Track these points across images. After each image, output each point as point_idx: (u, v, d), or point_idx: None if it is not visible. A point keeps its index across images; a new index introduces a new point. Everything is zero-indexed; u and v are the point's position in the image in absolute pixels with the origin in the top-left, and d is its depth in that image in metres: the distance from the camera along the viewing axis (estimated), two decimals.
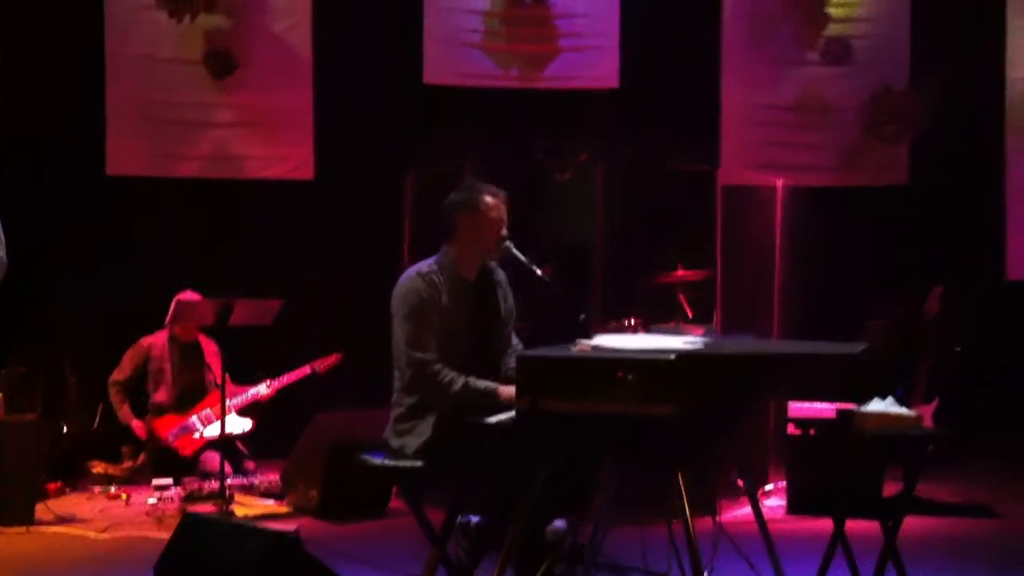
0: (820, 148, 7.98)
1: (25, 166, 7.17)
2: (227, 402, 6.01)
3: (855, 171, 7.95)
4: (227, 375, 6.12)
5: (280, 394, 6.65)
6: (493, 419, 3.72)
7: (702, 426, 3.68)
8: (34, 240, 6.27)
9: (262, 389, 6.62)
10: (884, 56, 7.96)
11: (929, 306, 6.93)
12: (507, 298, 4.31)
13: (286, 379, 6.62)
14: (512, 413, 3.63)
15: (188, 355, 6.73)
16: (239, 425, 6.58)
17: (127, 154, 7.53)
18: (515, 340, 4.27)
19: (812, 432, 4.10)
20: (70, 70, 7.37)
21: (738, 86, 7.93)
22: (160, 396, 6.70)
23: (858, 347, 3.55)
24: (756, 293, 6.44)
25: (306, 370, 6.60)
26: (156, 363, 6.72)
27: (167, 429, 6.61)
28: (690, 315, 6.38)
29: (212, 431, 6.48)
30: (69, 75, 7.37)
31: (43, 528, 5.51)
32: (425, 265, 4.14)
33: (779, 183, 6.58)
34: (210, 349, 6.76)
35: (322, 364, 6.59)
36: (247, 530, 3.33)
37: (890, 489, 5.43)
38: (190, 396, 6.67)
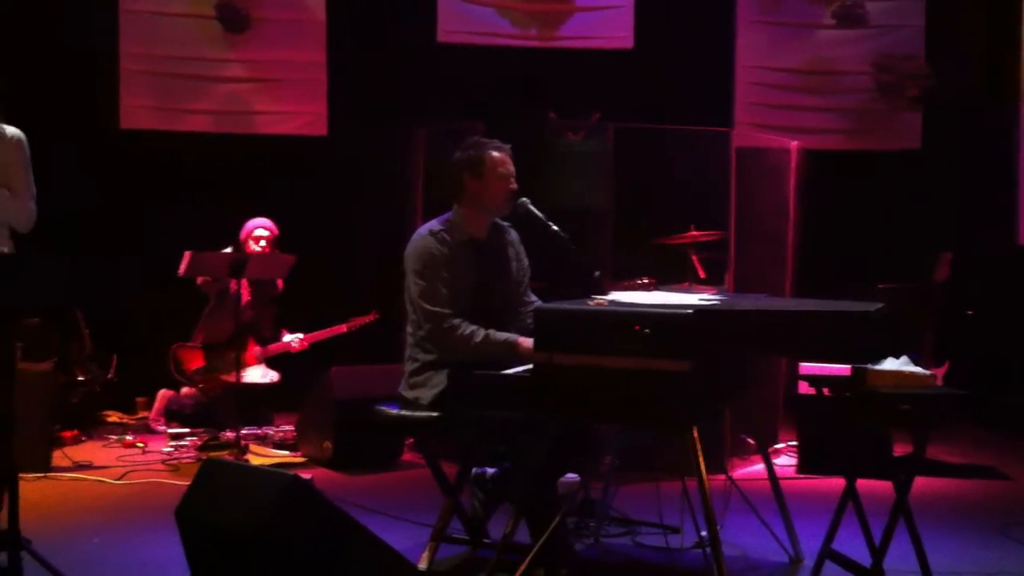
0: (832, 112, 7.98)
1: (42, 122, 7.16)
2: (256, 352, 6.06)
3: (867, 135, 7.95)
4: (257, 325, 6.18)
5: (312, 348, 6.72)
6: (510, 371, 3.76)
7: (717, 383, 3.72)
8: (50, 194, 6.28)
9: (293, 342, 6.67)
10: (899, 20, 7.93)
11: (939, 271, 6.94)
12: (520, 257, 4.31)
13: (319, 335, 6.68)
14: (529, 367, 3.67)
15: (223, 301, 6.69)
16: (266, 375, 6.65)
17: (139, 109, 7.55)
18: (534, 298, 4.29)
19: (826, 391, 4.13)
20: (84, 26, 7.37)
21: (751, 49, 7.92)
22: (198, 335, 6.75)
23: (874, 306, 3.57)
24: (768, 255, 6.46)
25: (341, 328, 6.65)
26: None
27: (192, 364, 6.67)
28: (702, 276, 6.39)
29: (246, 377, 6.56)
30: (82, 31, 7.37)
31: (60, 474, 5.59)
32: (436, 223, 4.16)
33: (793, 145, 6.58)
34: (246, 298, 6.80)
35: (355, 323, 6.64)
36: (265, 473, 3.37)
37: (898, 451, 5.52)
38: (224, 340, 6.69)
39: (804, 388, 5.77)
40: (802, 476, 5.73)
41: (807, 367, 5.65)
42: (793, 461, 5.97)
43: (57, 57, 7.31)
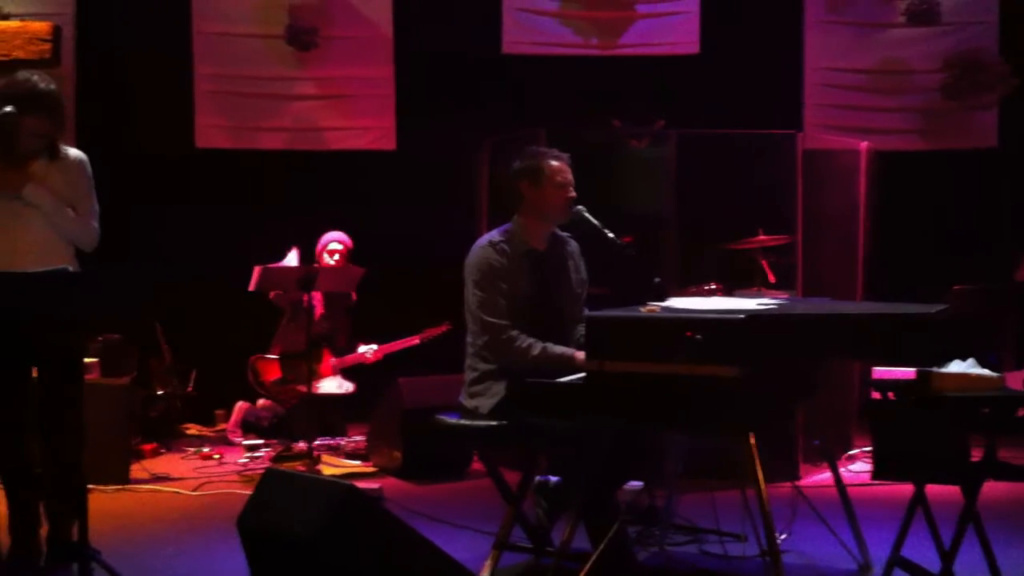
0: (903, 111, 7.83)
1: (122, 142, 7.39)
2: (332, 363, 6.16)
3: (941, 134, 7.78)
4: (332, 337, 6.28)
5: (386, 359, 6.82)
6: (565, 379, 3.77)
7: (773, 388, 3.68)
8: (128, 213, 6.47)
9: (368, 353, 6.77)
10: (971, 17, 7.76)
11: (1020, 271, 6.77)
12: (579, 268, 4.33)
13: (393, 346, 6.76)
14: (583, 375, 3.67)
15: (297, 314, 6.79)
16: (341, 386, 6.76)
17: (214, 128, 7.73)
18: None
19: (891, 395, 4.06)
20: (160, 49, 7.58)
21: (820, 49, 7.82)
22: (275, 346, 6.89)
23: (934, 308, 3.51)
24: (839, 258, 6.37)
25: (414, 340, 6.73)
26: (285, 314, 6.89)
27: (270, 376, 6.80)
28: (772, 280, 6.32)
29: (321, 388, 6.67)
30: (159, 54, 7.57)
31: (138, 487, 5.72)
32: (496, 234, 4.19)
33: (863, 146, 6.49)
34: (319, 310, 6.91)
35: (429, 334, 6.71)
36: (323, 483, 3.43)
37: (978, 454, 5.38)
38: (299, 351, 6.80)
39: (877, 393, 5.67)
40: (876, 482, 5.62)
41: (879, 371, 5.55)
42: (868, 467, 5.86)
43: (136, 79, 7.51)
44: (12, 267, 3.94)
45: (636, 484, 4.56)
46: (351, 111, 7.84)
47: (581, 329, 4.20)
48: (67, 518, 4.07)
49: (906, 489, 3.91)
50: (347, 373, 6.86)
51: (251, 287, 6.18)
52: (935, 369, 3.78)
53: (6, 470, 4.05)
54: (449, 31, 7.70)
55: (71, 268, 4.12)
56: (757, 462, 3.38)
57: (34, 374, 4.07)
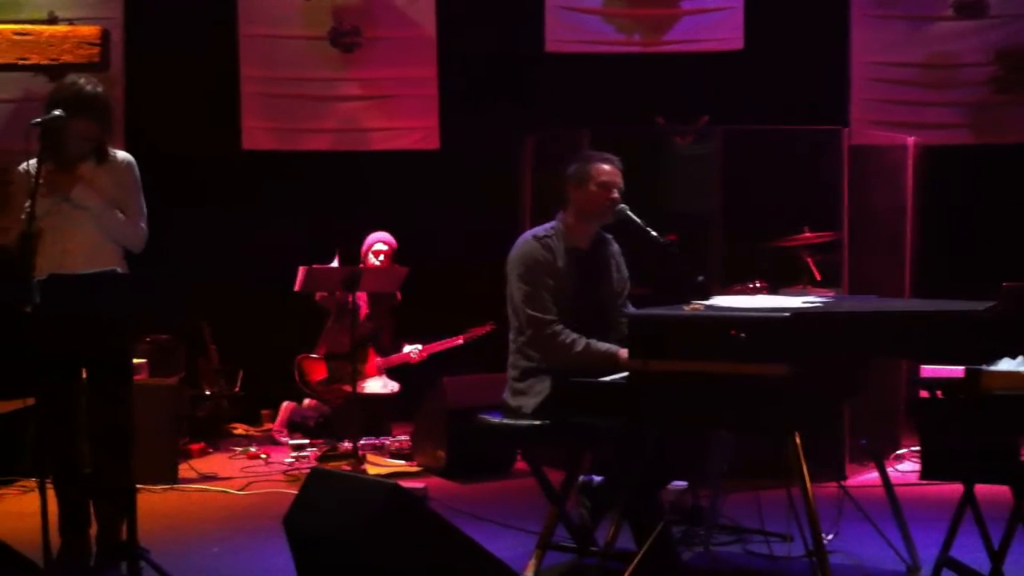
0: (952, 106, 7.72)
1: (169, 145, 7.46)
2: (377, 363, 6.19)
3: (989, 129, 7.67)
4: (377, 337, 6.31)
5: (430, 359, 6.85)
6: (609, 378, 3.76)
7: (818, 387, 3.64)
8: (175, 215, 6.53)
9: (413, 353, 6.80)
10: (1020, 9, 7.65)
11: None
12: (620, 268, 4.34)
13: (437, 346, 6.79)
14: (626, 374, 3.67)
15: (342, 314, 6.83)
16: (386, 386, 6.79)
17: (260, 130, 7.80)
18: (631, 309, 4.30)
19: (939, 394, 4.01)
20: (207, 52, 7.66)
21: (867, 44, 7.73)
22: (321, 346, 6.94)
23: (983, 305, 3.46)
24: (886, 255, 6.30)
25: (458, 340, 6.75)
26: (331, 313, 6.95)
27: (316, 375, 6.85)
28: (818, 278, 6.27)
29: (367, 388, 6.72)
30: (206, 57, 7.65)
31: (186, 486, 5.79)
32: (542, 229, 4.21)
33: (910, 142, 6.41)
34: (364, 310, 6.95)
35: (473, 333, 6.73)
36: (367, 482, 3.45)
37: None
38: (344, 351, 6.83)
39: (924, 392, 5.60)
40: (924, 482, 5.55)
41: (927, 370, 5.48)
42: (916, 467, 5.79)
43: (184, 81, 7.59)
44: (62, 269, 4.00)
45: (680, 484, 4.54)
46: (395, 111, 7.87)
47: (622, 329, 4.20)
48: (116, 518, 4.13)
49: (954, 489, 3.86)
50: (392, 373, 6.90)
51: (296, 288, 6.23)
52: (984, 367, 3.72)
53: (57, 471, 4.11)
54: (492, 30, 7.71)
55: (120, 269, 4.18)
56: (803, 461, 3.35)
57: (83, 375, 4.13)
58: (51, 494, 4.24)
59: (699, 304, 3.62)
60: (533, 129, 6.83)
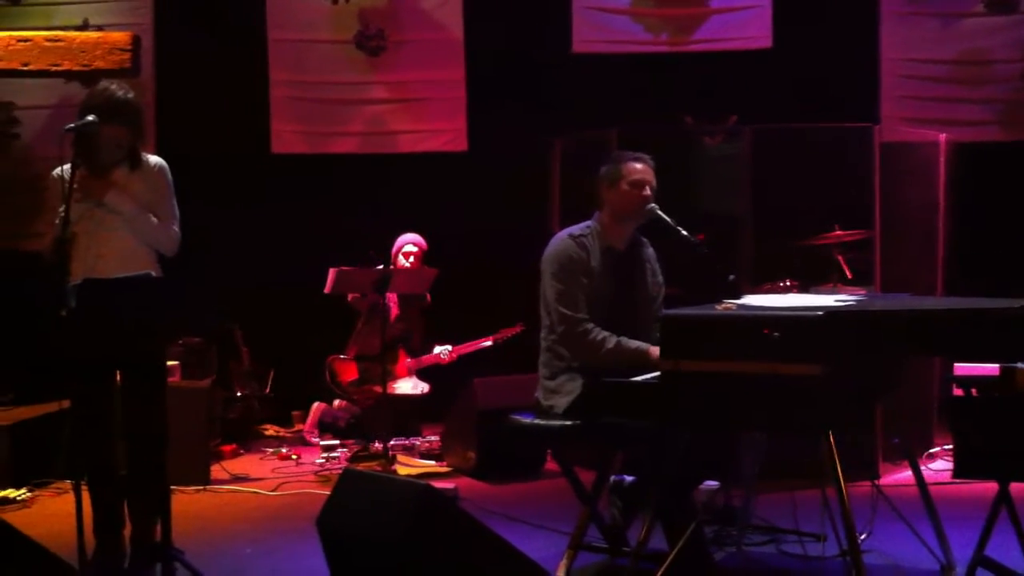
0: (984, 102, 7.65)
1: (200, 149, 7.52)
2: (407, 364, 6.20)
3: (1021, 125, 7.59)
4: (408, 338, 6.32)
5: (460, 360, 6.86)
6: (640, 378, 3.75)
7: (853, 386, 3.62)
8: (206, 219, 6.57)
9: (443, 354, 6.82)
10: None
11: None
12: (655, 273, 4.34)
13: (468, 347, 6.81)
14: (658, 373, 3.65)
15: (373, 316, 6.84)
16: (417, 387, 6.81)
17: (289, 134, 7.83)
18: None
19: (973, 392, 3.98)
20: (236, 57, 7.70)
21: (897, 41, 7.68)
22: (352, 348, 6.97)
23: (1017, 303, 3.42)
24: (919, 253, 6.26)
25: (488, 341, 6.77)
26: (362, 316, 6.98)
27: (347, 376, 6.88)
28: (849, 276, 6.23)
29: (397, 389, 6.74)
30: (235, 61, 7.70)
31: (218, 487, 5.83)
32: (578, 228, 4.22)
33: (942, 138, 6.36)
34: (395, 312, 6.97)
35: (503, 334, 6.74)
36: (400, 483, 3.46)
37: None
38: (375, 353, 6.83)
39: (958, 389, 5.55)
40: (958, 481, 5.50)
41: (960, 367, 5.43)
42: (949, 465, 5.74)
43: (213, 86, 7.64)
44: (96, 273, 4.03)
45: (712, 484, 4.52)
46: (423, 114, 7.89)
47: (655, 331, 4.19)
48: (150, 519, 4.17)
49: (988, 488, 3.83)
50: (422, 374, 6.91)
51: (327, 289, 6.26)
52: (1019, 365, 3.70)
53: (92, 472, 4.15)
54: (519, 31, 7.72)
55: (153, 273, 4.22)
56: (837, 461, 3.33)
57: (118, 378, 4.17)
58: (85, 496, 4.31)
59: (731, 303, 3.61)
60: (561, 130, 6.83)
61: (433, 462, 6.26)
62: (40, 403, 6.30)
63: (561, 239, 4.18)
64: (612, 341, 3.98)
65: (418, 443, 6.61)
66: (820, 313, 3.30)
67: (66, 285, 3.79)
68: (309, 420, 7.05)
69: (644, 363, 3.87)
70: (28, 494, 5.57)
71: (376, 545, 3.20)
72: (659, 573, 3.61)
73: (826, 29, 7.53)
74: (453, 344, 6.86)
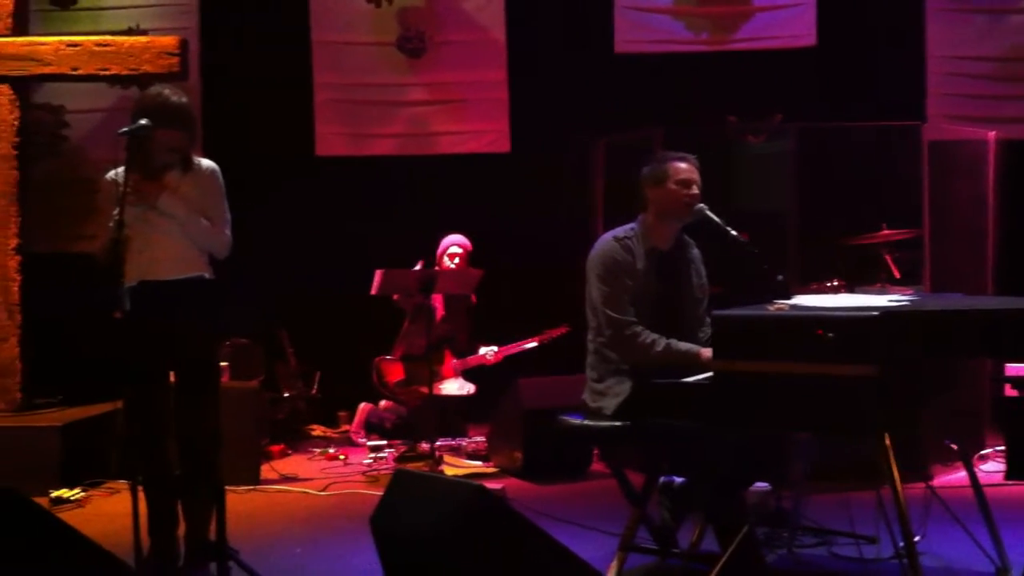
0: None
1: (245, 151, 7.58)
2: (453, 364, 6.22)
3: None
4: (453, 339, 6.33)
5: (505, 361, 6.88)
6: (691, 379, 3.74)
7: (909, 387, 3.59)
8: (252, 222, 6.62)
9: (488, 355, 6.84)
10: None
11: None
12: (700, 273, 4.32)
13: (513, 347, 6.82)
14: (709, 374, 3.65)
15: (418, 316, 6.86)
16: (463, 387, 6.83)
17: (333, 136, 7.87)
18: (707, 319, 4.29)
19: None
20: (280, 60, 7.76)
21: (943, 38, 7.60)
22: (398, 348, 7.00)
23: None
24: (968, 252, 6.20)
25: (533, 341, 6.78)
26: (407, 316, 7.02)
27: (393, 377, 6.91)
28: (897, 276, 6.18)
29: (443, 389, 6.77)
30: (279, 65, 7.75)
31: (268, 487, 5.88)
32: (622, 231, 4.20)
33: (991, 136, 6.29)
34: (440, 312, 6.99)
35: (548, 335, 6.75)
36: (452, 483, 3.48)
37: None
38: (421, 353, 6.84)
39: (1011, 390, 5.50)
40: (1010, 483, 5.45)
41: (1013, 368, 5.38)
42: (1000, 467, 5.68)
43: (258, 89, 7.69)
44: (150, 275, 4.06)
45: (763, 485, 4.50)
46: (465, 115, 7.90)
47: (702, 333, 4.20)
48: (204, 519, 4.20)
49: None
50: (468, 374, 6.93)
51: (373, 291, 6.29)
52: None
53: (147, 473, 4.18)
54: (561, 32, 7.72)
55: (206, 275, 4.26)
56: (893, 463, 3.30)
57: (171, 378, 4.21)
58: (140, 496, 4.35)
59: (783, 304, 3.59)
60: (604, 131, 6.82)
61: (480, 463, 6.28)
62: (90, 404, 6.39)
63: (606, 241, 4.17)
64: (662, 343, 3.97)
65: (464, 444, 6.63)
66: (876, 313, 3.27)
67: (121, 287, 3.83)
68: (355, 421, 7.10)
69: (694, 364, 3.86)
70: (81, 494, 5.63)
71: (429, 545, 3.21)
72: (712, 574, 3.59)
73: (870, 27, 7.47)
74: (498, 345, 6.87)
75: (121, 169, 4.13)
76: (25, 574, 3.26)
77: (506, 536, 3.23)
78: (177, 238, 4.23)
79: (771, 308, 3.53)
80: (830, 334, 3.23)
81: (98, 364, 4.83)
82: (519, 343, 6.80)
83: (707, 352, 3.81)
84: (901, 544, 3.62)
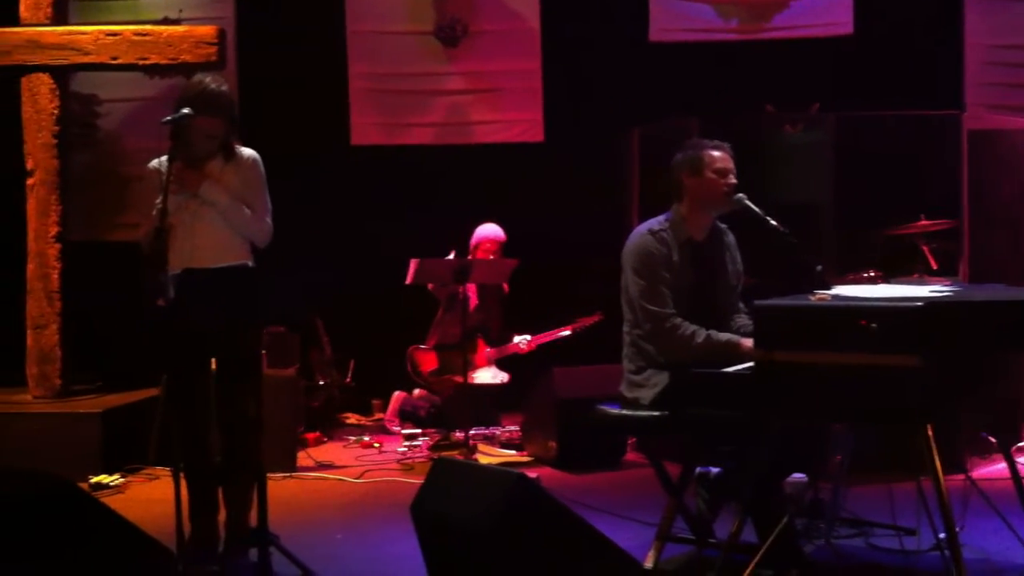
0: None
1: (281, 140, 7.61)
2: (487, 353, 6.24)
3: None
4: (487, 328, 6.34)
5: (538, 349, 6.88)
6: (731, 369, 3.74)
7: (952, 378, 3.57)
8: (289, 211, 6.66)
9: (522, 343, 6.85)
10: None
11: None
12: (735, 260, 4.31)
13: (546, 336, 6.83)
14: (749, 364, 3.64)
15: (452, 306, 6.90)
16: (496, 376, 6.85)
17: (368, 126, 7.89)
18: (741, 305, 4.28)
19: None
20: (315, 49, 7.78)
21: (982, 27, 7.53)
22: (432, 338, 7.02)
23: None
24: (1007, 243, 6.14)
25: (566, 330, 6.78)
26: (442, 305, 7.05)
27: (427, 366, 6.94)
28: (934, 267, 6.14)
29: (477, 378, 6.79)
30: (314, 54, 7.78)
31: (305, 474, 5.92)
32: (656, 223, 4.19)
33: None
34: (474, 302, 7.01)
35: (581, 324, 6.75)
36: (492, 471, 3.50)
37: None
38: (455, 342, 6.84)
39: None
40: None
41: None
42: None
43: (293, 79, 7.72)
44: (193, 263, 4.11)
45: (800, 476, 4.48)
46: (499, 104, 7.90)
47: (737, 320, 4.19)
48: (245, 505, 4.25)
49: None
50: (501, 363, 6.95)
51: (408, 280, 6.31)
52: None
53: (187, 459, 4.23)
54: (596, 21, 7.70)
55: (249, 263, 4.29)
56: (935, 454, 3.29)
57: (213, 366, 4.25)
58: (183, 482, 4.40)
59: (825, 294, 3.57)
60: (639, 120, 6.79)
61: (513, 452, 6.30)
62: (129, 390, 6.45)
63: (640, 234, 4.16)
64: (702, 335, 3.96)
65: (498, 432, 6.65)
66: (919, 304, 3.25)
67: (165, 275, 3.87)
68: (390, 409, 7.13)
69: (735, 355, 3.85)
70: (121, 480, 5.70)
71: (471, 532, 3.24)
72: (752, 565, 3.59)
73: (909, 14, 7.41)
74: (532, 334, 6.88)
75: (165, 158, 4.18)
76: (71, 558, 3.31)
77: (547, 524, 3.25)
78: (219, 226, 4.27)
79: (812, 299, 3.51)
80: (873, 324, 3.21)
81: (139, 351, 4.89)
82: (552, 331, 6.81)
83: (747, 342, 3.80)
84: (942, 535, 3.61)
